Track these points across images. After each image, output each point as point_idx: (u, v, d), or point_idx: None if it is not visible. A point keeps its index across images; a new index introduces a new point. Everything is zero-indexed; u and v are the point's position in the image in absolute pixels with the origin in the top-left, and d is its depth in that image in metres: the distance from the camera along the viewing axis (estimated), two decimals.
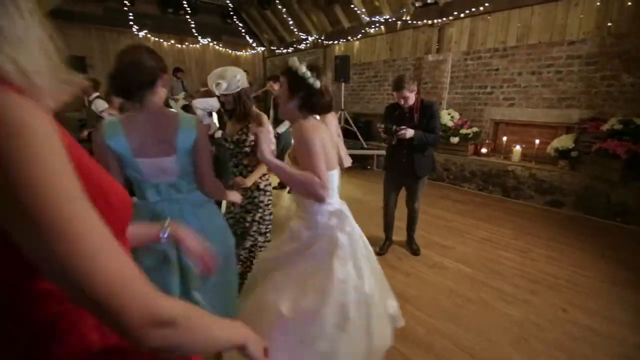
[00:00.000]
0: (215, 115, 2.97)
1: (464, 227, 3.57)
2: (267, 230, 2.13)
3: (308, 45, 7.87)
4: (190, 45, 8.10)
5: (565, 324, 2.06)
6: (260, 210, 2.07)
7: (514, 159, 4.62)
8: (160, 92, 1.25)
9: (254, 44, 8.94)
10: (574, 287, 2.45)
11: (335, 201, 1.41)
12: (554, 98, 4.31)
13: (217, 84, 1.82)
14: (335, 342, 1.23)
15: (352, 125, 6.16)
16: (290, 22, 7.55)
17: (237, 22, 8.36)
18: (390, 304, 1.53)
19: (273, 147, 1.31)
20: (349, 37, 6.83)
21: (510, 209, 4.16)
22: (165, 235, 0.88)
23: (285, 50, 8.61)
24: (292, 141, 1.22)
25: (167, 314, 0.43)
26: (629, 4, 3.60)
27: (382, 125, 2.65)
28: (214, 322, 0.53)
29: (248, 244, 2.07)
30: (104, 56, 6.87)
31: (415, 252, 2.97)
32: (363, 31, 6.44)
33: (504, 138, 4.91)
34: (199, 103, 2.69)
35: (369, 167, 6.42)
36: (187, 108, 4.47)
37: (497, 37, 4.74)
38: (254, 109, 1.99)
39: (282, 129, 4.42)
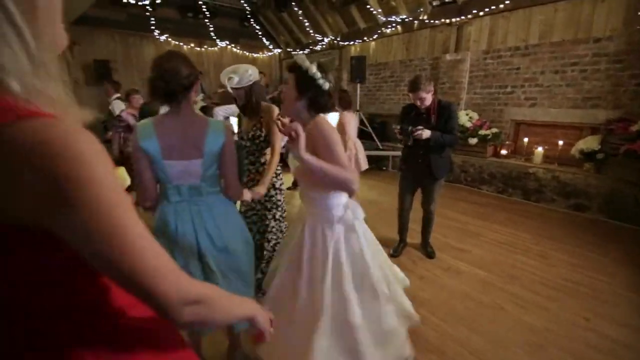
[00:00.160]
0: (233, 120, 3.05)
1: (481, 230, 3.49)
2: (286, 227, 2.19)
3: (324, 46, 7.89)
4: (209, 48, 8.27)
5: (587, 334, 1.97)
6: (280, 209, 2.13)
7: (535, 160, 4.46)
8: (193, 97, 1.32)
9: (271, 46, 9.03)
10: (597, 295, 2.35)
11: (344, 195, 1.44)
12: (579, 98, 4.14)
13: (229, 78, 1.89)
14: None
15: (368, 126, 6.12)
16: (306, 24, 7.59)
17: (254, 25, 8.47)
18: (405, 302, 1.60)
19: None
20: (365, 38, 6.79)
21: (531, 212, 4.03)
22: None
23: (301, 52, 8.66)
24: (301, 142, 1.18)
25: (196, 295, 0.54)
26: None
27: (398, 126, 2.63)
28: (231, 299, 0.65)
29: (272, 242, 2.13)
30: (126, 60, 7.13)
31: (430, 255, 2.92)
32: (379, 31, 6.39)
33: (525, 139, 4.76)
34: (221, 110, 2.83)
35: (384, 168, 6.37)
36: (205, 109, 4.58)
37: (518, 35, 4.60)
38: (264, 102, 2.03)
39: None
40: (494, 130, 4.80)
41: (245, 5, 7.97)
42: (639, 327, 2.01)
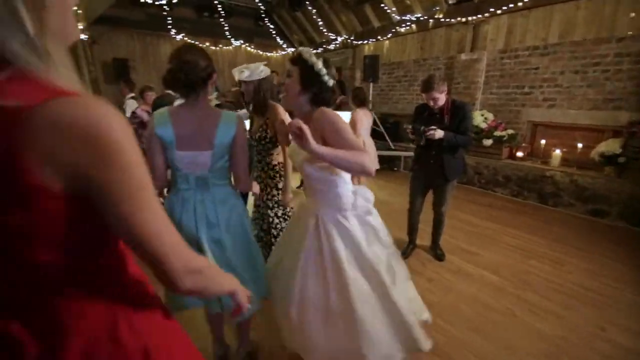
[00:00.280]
0: (246, 122, 3.08)
1: (494, 233, 3.41)
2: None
3: (337, 45, 7.86)
4: (224, 47, 8.38)
5: (603, 344, 1.90)
6: (282, 207, 2.14)
7: (553, 163, 4.33)
8: (210, 90, 1.34)
9: (284, 45, 9.07)
10: (614, 305, 2.26)
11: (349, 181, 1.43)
12: (600, 99, 3.99)
13: (241, 72, 1.95)
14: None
15: (380, 125, 6.07)
16: (320, 23, 7.58)
17: (268, 24, 8.53)
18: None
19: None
20: (379, 37, 6.73)
21: (547, 216, 3.92)
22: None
23: (314, 51, 8.65)
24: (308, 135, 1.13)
25: (197, 265, 0.63)
26: None
27: (410, 126, 2.60)
28: (222, 274, 0.76)
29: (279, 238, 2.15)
30: (144, 58, 7.30)
31: (439, 257, 2.88)
32: (393, 30, 6.32)
33: (543, 141, 4.63)
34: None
35: (395, 168, 6.31)
36: (219, 108, 4.62)
37: (537, 34, 4.47)
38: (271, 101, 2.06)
39: None
40: (510, 131, 4.68)
41: (259, 4, 8.03)
42: None
